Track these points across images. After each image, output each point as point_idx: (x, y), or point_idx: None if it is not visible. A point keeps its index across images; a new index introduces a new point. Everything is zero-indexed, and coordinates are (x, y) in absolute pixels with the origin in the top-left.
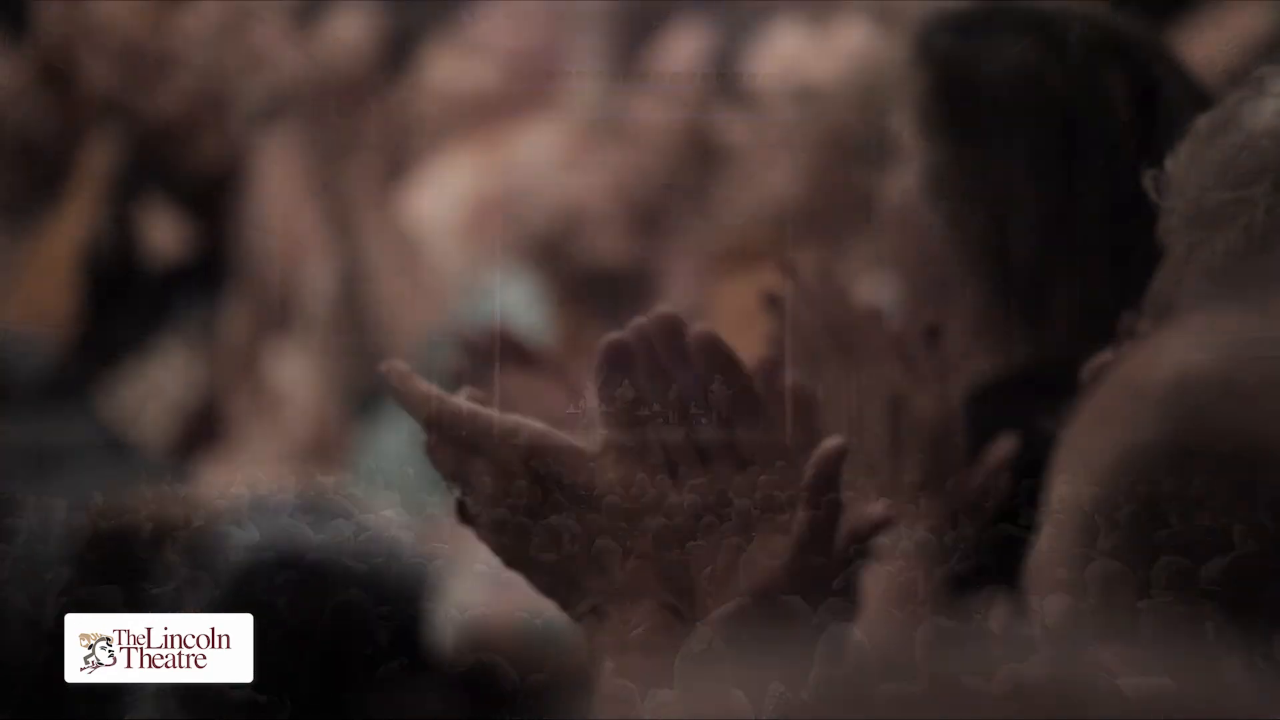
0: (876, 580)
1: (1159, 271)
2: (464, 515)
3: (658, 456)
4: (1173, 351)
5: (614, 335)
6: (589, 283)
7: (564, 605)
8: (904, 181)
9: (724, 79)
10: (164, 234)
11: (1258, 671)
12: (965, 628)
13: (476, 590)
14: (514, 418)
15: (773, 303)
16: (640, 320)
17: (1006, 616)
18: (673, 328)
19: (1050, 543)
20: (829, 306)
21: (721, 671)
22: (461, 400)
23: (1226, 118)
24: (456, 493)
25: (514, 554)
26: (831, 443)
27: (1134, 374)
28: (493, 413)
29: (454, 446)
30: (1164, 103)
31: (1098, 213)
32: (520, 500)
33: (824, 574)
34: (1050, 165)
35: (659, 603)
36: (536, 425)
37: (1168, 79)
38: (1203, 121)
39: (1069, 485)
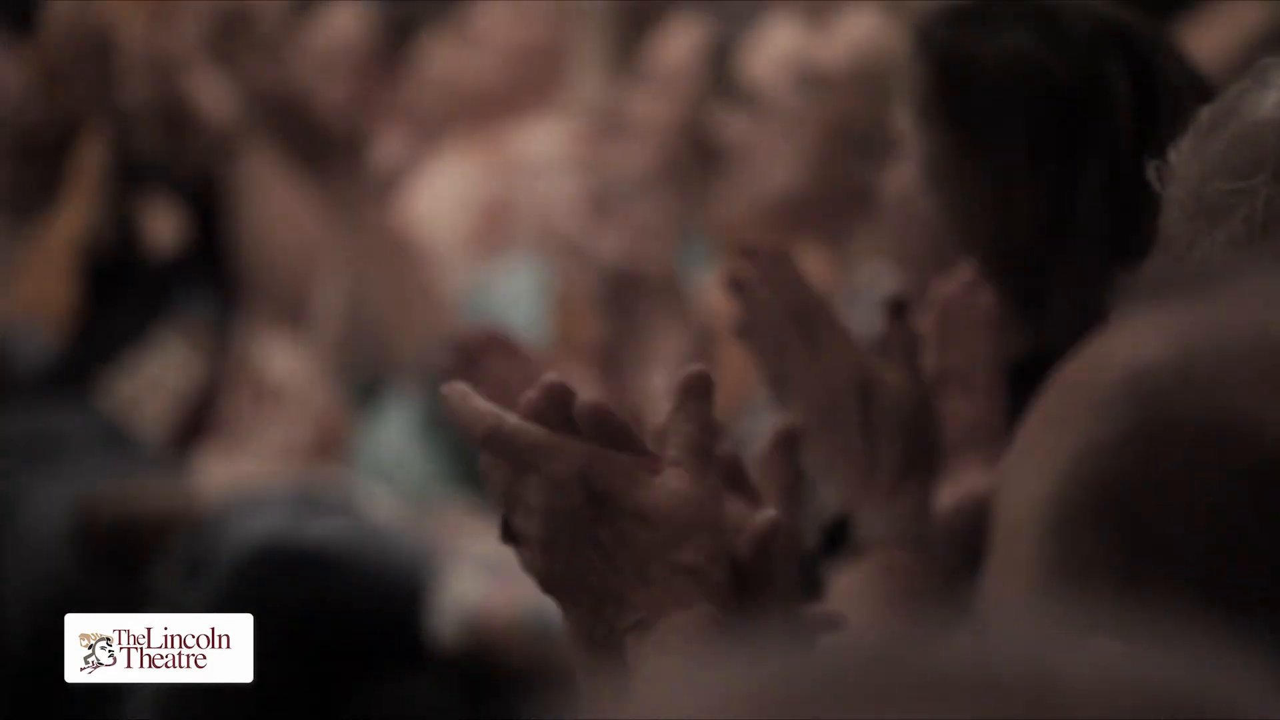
0: (859, 571)
1: (1149, 262)
2: (509, 535)
3: (716, 482)
4: (1122, 348)
5: (697, 367)
6: (590, 279)
7: (609, 625)
8: (904, 172)
9: (722, 71)
10: (163, 227)
11: (1244, 659)
12: (947, 619)
13: (475, 582)
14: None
15: (736, 287)
16: (529, 394)
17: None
18: (562, 399)
19: (1008, 554)
20: (786, 289)
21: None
22: (517, 418)
23: (1228, 109)
24: (503, 512)
25: (560, 575)
26: (763, 519)
27: (1083, 375)
28: (548, 429)
29: (509, 463)
30: (1165, 95)
31: (1098, 204)
32: (572, 515)
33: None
34: (1051, 156)
35: (703, 615)
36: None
37: (1169, 71)
38: (1205, 113)
39: (1023, 492)
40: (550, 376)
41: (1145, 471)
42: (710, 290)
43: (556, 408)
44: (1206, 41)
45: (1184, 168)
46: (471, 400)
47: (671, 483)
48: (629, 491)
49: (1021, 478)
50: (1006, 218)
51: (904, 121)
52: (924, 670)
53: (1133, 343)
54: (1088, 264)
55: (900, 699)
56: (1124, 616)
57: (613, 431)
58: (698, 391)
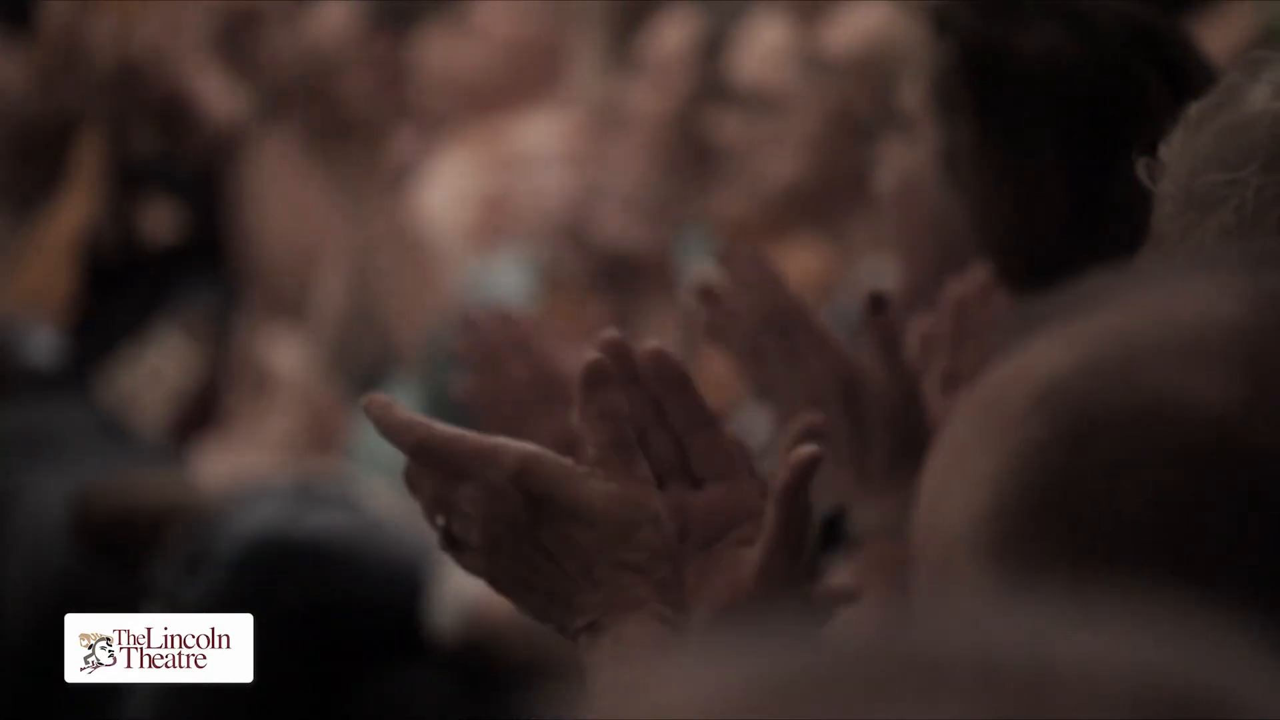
0: (854, 565)
1: (1141, 257)
2: (450, 543)
3: (647, 471)
4: (1029, 364)
5: (594, 356)
6: (608, 268)
7: (559, 627)
8: (911, 159)
9: (714, 67)
10: (163, 220)
11: (1218, 638)
12: (939, 607)
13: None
14: (500, 439)
15: (706, 294)
16: (590, 355)
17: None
18: (622, 352)
19: (946, 579)
20: (762, 292)
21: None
22: (445, 426)
23: (1218, 103)
24: (441, 521)
25: (506, 578)
26: (805, 450)
27: (993, 397)
28: (478, 436)
29: (439, 473)
30: (1192, 95)
31: (1129, 204)
32: (512, 521)
33: (795, 580)
34: (1083, 155)
35: (653, 614)
36: (525, 445)
37: (1195, 71)
38: (1195, 107)
39: (951, 516)
40: (608, 332)
41: (1080, 469)
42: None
43: (619, 361)
44: (1213, 42)
45: (1175, 162)
46: (395, 411)
47: (604, 483)
48: (565, 493)
49: (946, 503)
50: (1033, 215)
51: (913, 108)
52: (916, 662)
53: (1039, 357)
54: (1115, 264)
55: (892, 691)
56: (1088, 611)
57: (676, 377)
58: (597, 383)
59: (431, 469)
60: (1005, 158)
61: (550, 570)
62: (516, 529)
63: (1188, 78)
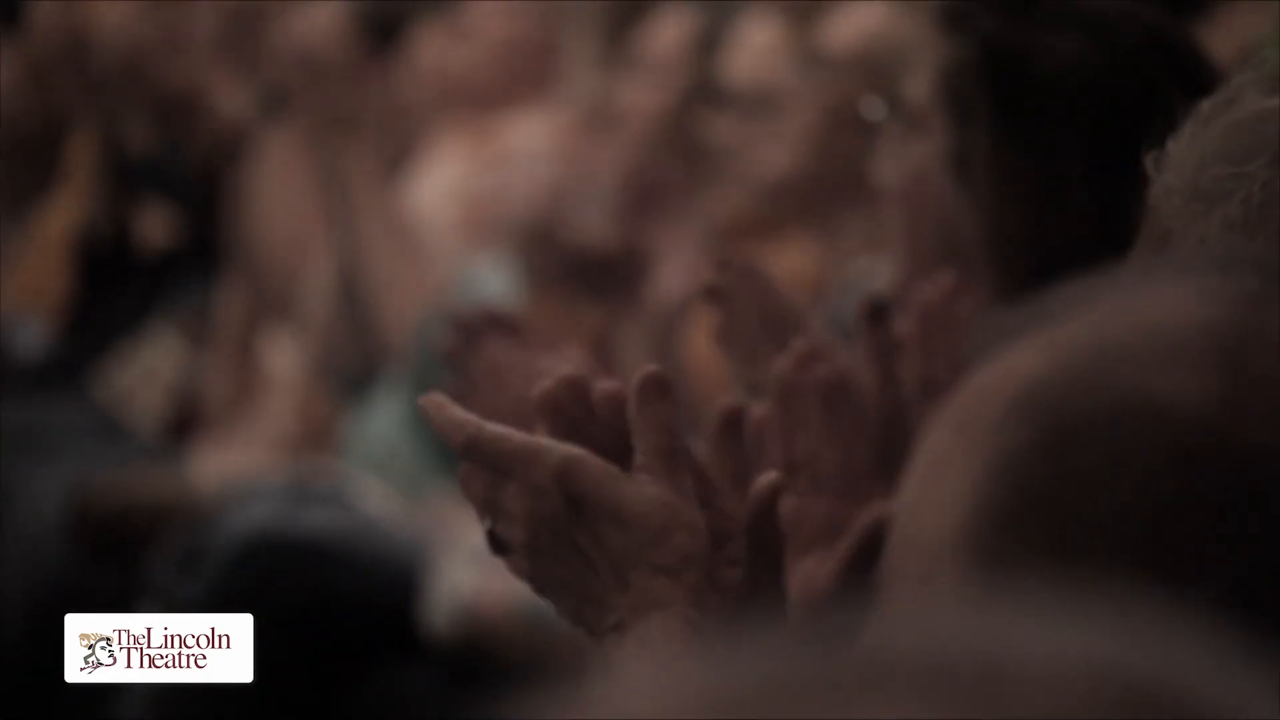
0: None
1: (1142, 251)
2: (497, 546)
3: (689, 482)
4: (1006, 371)
5: (653, 369)
6: (581, 266)
7: (591, 628)
8: (914, 154)
9: (707, 67)
10: (157, 220)
11: (1191, 637)
12: (910, 611)
13: (469, 573)
14: (545, 440)
15: (714, 297)
16: (545, 384)
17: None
18: (579, 390)
19: (927, 587)
20: (758, 299)
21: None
22: (494, 425)
23: (1229, 98)
24: (488, 524)
25: (546, 579)
26: (765, 480)
27: (971, 405)
28: (525, 436)
29: (487, 472)
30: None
31: (1140, 208)
32: (553, 521)
33: (776, 593)
34: (1107, 164)
35: (679, 616)
36: (569, 447)
37: (1207, 77)
38: (1205, 103)
39: (932, 523)
40: (565, 369)
41: (1061, 473)
42: (693, 272)
43: (575, 399)
44: (1217, 45)
45: (1182, 156)
46: (448, 410)
47: (645, 486)
48: (605, 495)
49: (927, 510)
50: (1047, 219)
51: (917, 104)
52: (870, 662)
53: (1018, 362)
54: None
55: (844, 691)
56: (1067, 608)
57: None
58: (654, 394)
59: (479, 468)
60: (1021, 161)
61: (585, 571)
62: (556, 529)
63: (1200, 81)
